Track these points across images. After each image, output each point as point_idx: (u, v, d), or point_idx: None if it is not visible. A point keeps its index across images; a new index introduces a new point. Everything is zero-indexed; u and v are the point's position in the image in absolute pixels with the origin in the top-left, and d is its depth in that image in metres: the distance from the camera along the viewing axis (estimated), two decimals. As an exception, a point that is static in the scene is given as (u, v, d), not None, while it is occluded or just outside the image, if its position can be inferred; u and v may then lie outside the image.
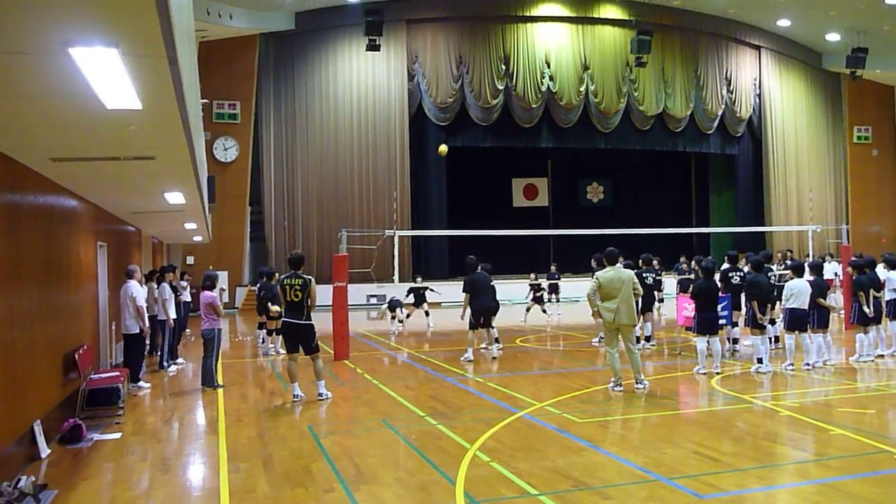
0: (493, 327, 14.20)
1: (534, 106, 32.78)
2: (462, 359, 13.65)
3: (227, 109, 29.35)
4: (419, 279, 20.72)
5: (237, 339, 19.25)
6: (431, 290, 20.18)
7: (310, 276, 10.30)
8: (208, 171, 20.21)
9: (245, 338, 19.44)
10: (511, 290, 25.75)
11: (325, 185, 31.01)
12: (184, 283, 17.54)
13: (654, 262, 17.21)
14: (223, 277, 26.83)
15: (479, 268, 13.90)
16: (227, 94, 29.20)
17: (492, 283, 14.04)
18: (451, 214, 33.32)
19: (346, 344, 14.64)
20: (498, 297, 15.14)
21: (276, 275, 15.30)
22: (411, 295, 19.75)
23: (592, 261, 15.17)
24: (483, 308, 13.76)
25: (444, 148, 17.16)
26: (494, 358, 13.91)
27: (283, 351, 14.50)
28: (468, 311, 13.78)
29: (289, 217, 30.67)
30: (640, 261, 15.27)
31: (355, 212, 31.31)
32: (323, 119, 31.19)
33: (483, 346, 15.48)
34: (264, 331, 16.10)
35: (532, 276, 21.75)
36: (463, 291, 13.78)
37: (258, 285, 15.89)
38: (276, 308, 14.58)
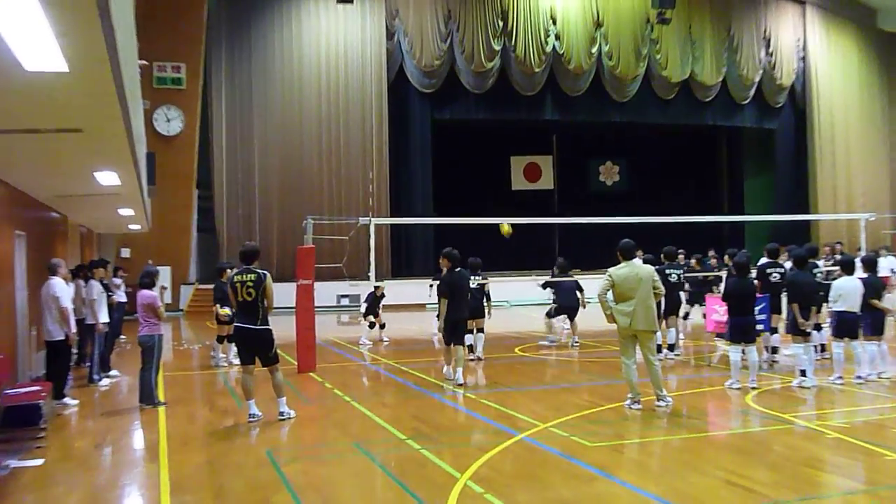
0: (462, 345, 13.00)
1: (536, 71, 32.80)
2: (445, 373, 13.26)
3: (170, 73, 29.20)
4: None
5: (182, 348, 19.19)
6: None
7: (264, 272, 10.28)
8: (147, 147, 20.07)
9: (192, 346, 19.38)
10: (508, 290, 25.81)
11: (288, 165, 30.93)
12: (117, 281, 17.43)
13: (680, 255, 17.26)
14: (165, 274, 26.68)
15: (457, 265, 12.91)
16: (170, 54, 29.05)
17: (471, 284, 13.67)
18: (437, 199, 33.33)
19: (313, 353, 14.62)
20: (484, 300, 15.19)
21: (229, 271, 14.37)
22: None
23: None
24: (457, 319, 12.68)
25: (507, 228, 17.41)
26: (479, 359, 14.20)
27: (236, 362, 14.21)
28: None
29: (244, 202, 30.58)
30: (662, 254, 15.31)
31: (324, 196, 31.24)
32: (285, 86, 31.09)
33: (471, 357, 15.51)
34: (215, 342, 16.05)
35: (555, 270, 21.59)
36: (439, 295, 12.76)
37: (215, 285, 15.70)
38: (225, 311, 14.51)
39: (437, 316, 13.17)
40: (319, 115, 31.37)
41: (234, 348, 14.72)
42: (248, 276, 10.15)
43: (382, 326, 19.15)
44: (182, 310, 28.86)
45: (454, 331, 12.76)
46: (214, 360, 15.61)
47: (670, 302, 14.69)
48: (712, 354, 15.16)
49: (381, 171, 31.76)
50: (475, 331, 15.52)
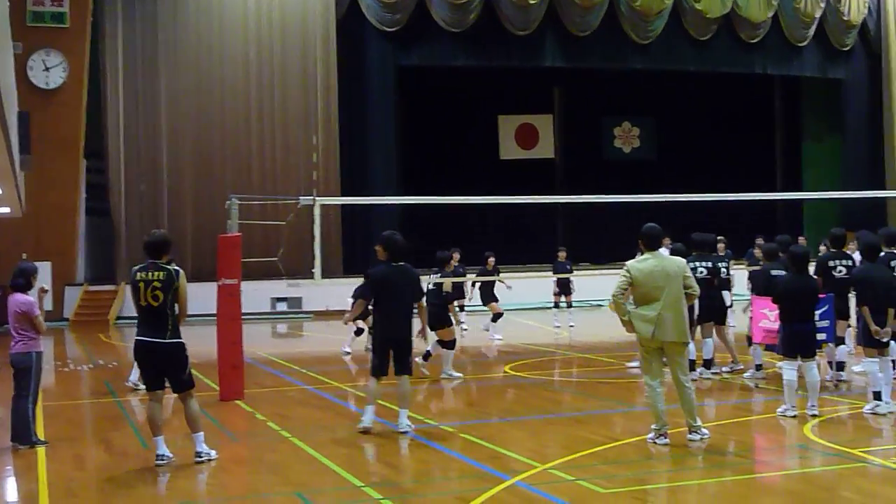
0: (408, 373, 11.81)
1: (532, 2, 32.80)
2: (359, 424, 11.79)
3: (49, 6, 28.97)
4: None
5: (68, 369, 19.02)
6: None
7: (176, 268, 10.28)
8: (19, 105, 19.93)
9: (81, 366, 19.27)
10: (496, 290, 25.77)
11: (206, 128, 30.79)
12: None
13: (720, 244, 17.33)
14: (44, 272, 26.45)
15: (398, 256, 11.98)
16: (48, -18, 28.86)
17: (418, 284, 12.15)
18: (404, 172, 33.31)
19: (240, 376, 14.57)
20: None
21: None
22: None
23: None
24: (391, 338, 11.74)
25: None
26: (404, 433, 11.62)
27: (141, 385, 14.16)
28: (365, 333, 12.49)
29: (148, 177, 30.42)
30: (693, 243, 15.36)
31: (253, 169, 31.13)
32: (201, 26, 30.92)
33: (449, 373, 15.55)
34: None
35: (489, 259, 21.74)
36: (365, 297, 12.25)
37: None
38: None
39: (361, 329, 12.17)
40: (247, 62, 31.20)
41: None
42: (156, 273, 10.11)
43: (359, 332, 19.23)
44: (67, 319, 28.66)
45: (388, 350, 11.68)
46: (130, 380, 15.52)
47: (707, 305, 14.76)
48: (761, 372, 15.24)
49: (328, 136, 31.65)
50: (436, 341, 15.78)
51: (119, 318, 28.47)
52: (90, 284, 29.70)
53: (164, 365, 10.24)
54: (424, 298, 12.23)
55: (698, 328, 14.85)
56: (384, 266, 11.85)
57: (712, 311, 15.08)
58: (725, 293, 15.96)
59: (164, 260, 10.31)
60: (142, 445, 11.37)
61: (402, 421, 11.61)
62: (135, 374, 15.41)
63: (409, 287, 11.82)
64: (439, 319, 15.63)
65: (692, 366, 13.78)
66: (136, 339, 10.34)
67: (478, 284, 22.31)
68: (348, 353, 19.23)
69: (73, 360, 20.61)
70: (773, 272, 14.25)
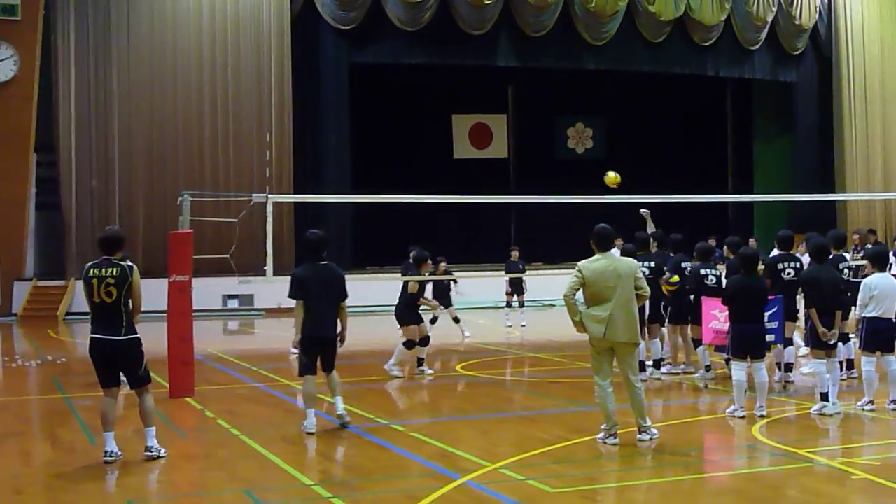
0: (330, 370, 11.97)
1: (487, 3, 32.82)
2: (303, 428, 11.68)
3: (-1, -1, 28.73)
4: None
5: (15, 365, 18.89)
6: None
7: (130, 264, 10.24)
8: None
9: (29, 362, 19.09)
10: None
11: (159, 123, 30.55)
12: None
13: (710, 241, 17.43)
14: (-7, 267, 26.22)
15: (324, 254, 12.06)
16: (-1, -27, 28.56)
17: (342, 284, 12.00)
18: (357, 170, 33.21)
19: (190, 372, 14.50)
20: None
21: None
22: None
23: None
24: (318, 336, 11.77)
25: (614, 176, 16.91)
26: (340, 415, 11.85)
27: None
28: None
29: (99, 171, 30.14)
30: (640, 242, 15.45)
31: (206, 165, 30.93)
32: (155, 18, 30.69)
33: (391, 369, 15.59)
34: None
35: (441, 265, 21.32)
36: (291, 297, 11.95)
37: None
38: None
39: (296, 329, 11.82)
40: (200, 58, 30.99)
41: None
42: (109, 269, 10.05)
43: None
44: (15, 314, 28.34)
45: (316, 351, 11.75)
46: None
47: (677, 305, 14.87)
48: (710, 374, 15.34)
49: (282, 133, 31.49)
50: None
51: (68, 313, 28.18)
52: (39, 280, 29.38)
53: (119, 362, 10.18)
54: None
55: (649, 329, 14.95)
56: (306, 265, 11.93)
57: (682, 311, 15.17)
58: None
59: (118, 256, 10.24)
60: (90, 442, 11.29)
61: (338, 405, 11.83)
62: None
63: (333, 286, 11.82)
64: (403, 317, 15.83)
65: (642, 366, 13.87)
66: (91, 337, 10.24)
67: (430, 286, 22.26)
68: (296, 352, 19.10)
69: (21, 355, 20.41)
70: (703, 272, 14.47)
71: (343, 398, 11.90)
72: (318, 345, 11.73)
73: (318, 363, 11.79)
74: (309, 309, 11.65)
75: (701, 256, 15.01)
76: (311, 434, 11.46)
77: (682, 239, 15.93)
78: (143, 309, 10.31)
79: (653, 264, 14.97)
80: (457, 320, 21.63)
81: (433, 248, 22.23)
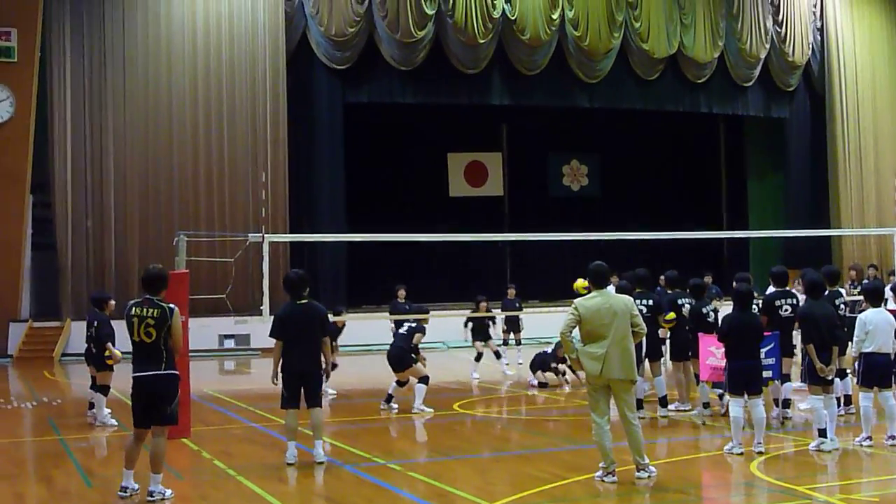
0: (318, 406, 12.31)
1: (481, 42, 32.97)
2: (285, 459, 12.05)
3: (-5, 41, 28.85)
4: None
5: (10, 407, 18.78)
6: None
7: (171, 306, 10.29)
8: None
9: (24, 403, 19.03)
10: (445, 327, 25.83)
11: (154, 163, 30.57)
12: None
13: (662, 278, 17.42)
14: (-12, 308, 26.16)
15: (304, 293, 12.33)
16: (-5, 16, 28.68)
17: (321, 322, 12.36)
18: (352, 209, 33.22)
19: (186, 413, 14.43)
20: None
21: (111, 302, 16.04)
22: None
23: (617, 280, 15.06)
24: (297, 371, 12.03)
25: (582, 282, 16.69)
26: (320, 463, 12.00)
27: (112, 421, 15.33)
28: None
29: (94, 212, 30.13)
30: (638, 280, 15.44)
31: (201, 205, 30.94)
32: (150, 60, 30.77)
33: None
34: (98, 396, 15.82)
35: (482, 303, 21.65)
36: (271, 336, 12.27)
37: (100, 320, 15.67)
38: (118, 353, 14.43)
39: (274, 368, 12.23)
40: (195, 98, 31.07)
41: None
42: (150, 310, 10.15)
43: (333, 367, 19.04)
44: (10, 356, 28.22)
45: (298, 386, 11.98)
46: (99, 419, 15.46)
47: (654, 342, 14.83)
48: (707, 410, 15.32)
49: (277, 173, 31.53)
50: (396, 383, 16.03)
51: (64, 354, 28.01)
52: (35, 320, 29.30)
53: (156, 396, 10.14)
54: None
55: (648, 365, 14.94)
56: (287, 304, 12.30)
57: (682, 347, 15.14)
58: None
59: (161, 296, 10.27)
60: (86, 484, 11.25)
61: (317, 452, 12.00)
62: (101, 412, 15.41)
63: (313, 324, 12.11)
64: (405, 361, 15.88)
65: (639, 404, 13.85)
66: (133, 377, 10.29)
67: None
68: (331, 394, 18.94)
69: (17, 397, 20.33)
70: (703, 309, 14.54)
71: (333, 438, 11.90)
72: (299, 379, 12.00)
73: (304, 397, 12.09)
74: (289, 347, 11.97)
75: (695, 293, 15.04)
76: (292, 465, 11.75)
77: (677, 276, 15.91)
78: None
79: (650, 302, 14.99)
80: (498, 355, 21.66)
81: (427, 286, 22.28)
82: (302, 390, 12.06)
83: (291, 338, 11.96)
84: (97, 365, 15.34)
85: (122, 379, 10.50)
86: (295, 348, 11.94)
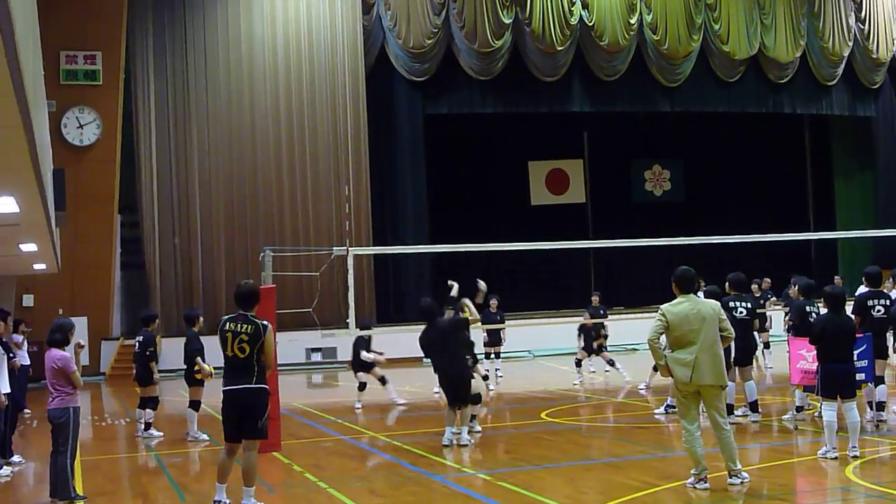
0: (461, 408, 13.99)
1: (559, 49, 32.95)
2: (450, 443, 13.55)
3: (82, 65, 29.30)
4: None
5: (105, 424, 19.10)
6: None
7: (265, 322, 10.34)
8: (54, 162, 20.12)
9: (118, 421, 19.34)
10: (530, 336, 25.81)
11: (238, 181, 30.96)
12: (18, 338, 17.39)
13: (754, 285, 17.25)
14: (80, 327, 26.50)
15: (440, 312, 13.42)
16: (82, 41, 29.15)
17: (454, 336, 13.87)
18: (434, 220, 33.36)
19: (276, 427, 14.57)
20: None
21: (200, 318, 16.24)
22: None
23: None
24: (445, 377, 13.87)
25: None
26: (464, 445, 13.82)
27: (203, 436, 15.46)
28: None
29: (181, 230, 30.59)
30: (728, 284, 15.25)
31: (286, 220, 31.24)
32: (232, 79, 31.18)
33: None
34: (147, 412, 16.09)
35: (586, 315, 21.67)
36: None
37: (139, 338, 15.90)
38: (208, 368, 14.69)
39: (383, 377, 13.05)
40: (278, 114, 31.41)
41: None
42: (244, 325, 10.21)
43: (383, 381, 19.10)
44: (104, 373, 28.71)
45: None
46: (190, 435, 15.64)
47: (743, 347, 14.64)
48: (800, 415, 15.10)
49: (359, 186, 31.76)
50: None
51: (154, 371, 28.47)
52: (126, 338, 29.75)
53: (247, 408, 10.18)
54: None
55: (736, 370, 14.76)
56: (429, 325, 13.14)
57: (746, 352, 14.97)
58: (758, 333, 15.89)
59: (254, 311, 10.38)
60: (180, 499, 11.38)
61: (463, 436, 13.42)
62: (193, 428, 15.60)
63: (446, 337, 12.25)
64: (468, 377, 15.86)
65: (730, 409, 13.70)
66: (224, 391, 10.34)
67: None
68: (403, 404, 19.08)
69: (110, 414, 20.68)
70: (808, 308, 14.28)
71: (420, 449, 11.88)
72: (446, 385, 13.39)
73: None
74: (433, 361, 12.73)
75: (735, 287, 14.85)
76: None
77: (744, 278, 15.67)
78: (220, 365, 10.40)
79: (749, 305, 14.81)
80: (612, 363, 21.54)
81: (511, 295, 22.27)
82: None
83: (432, 352, 13.01)
84: (188, 380, 15.53)
85: (213, 394, 10.58)
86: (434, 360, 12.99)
